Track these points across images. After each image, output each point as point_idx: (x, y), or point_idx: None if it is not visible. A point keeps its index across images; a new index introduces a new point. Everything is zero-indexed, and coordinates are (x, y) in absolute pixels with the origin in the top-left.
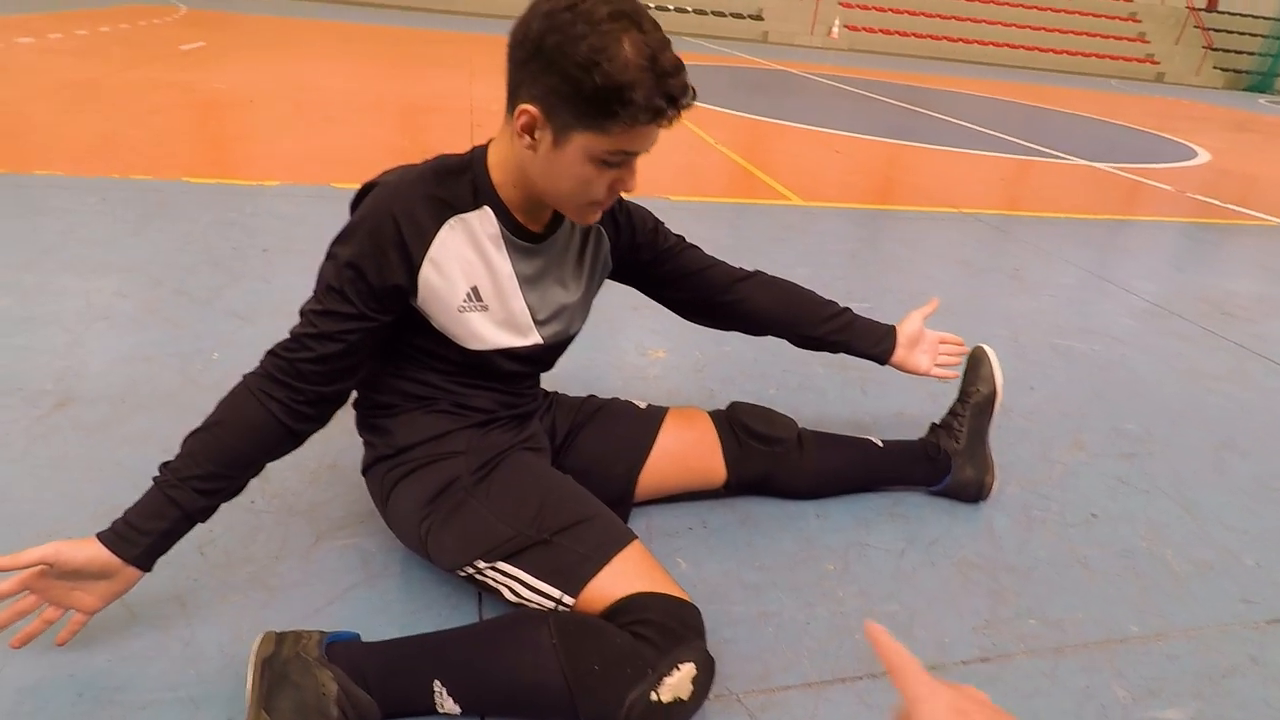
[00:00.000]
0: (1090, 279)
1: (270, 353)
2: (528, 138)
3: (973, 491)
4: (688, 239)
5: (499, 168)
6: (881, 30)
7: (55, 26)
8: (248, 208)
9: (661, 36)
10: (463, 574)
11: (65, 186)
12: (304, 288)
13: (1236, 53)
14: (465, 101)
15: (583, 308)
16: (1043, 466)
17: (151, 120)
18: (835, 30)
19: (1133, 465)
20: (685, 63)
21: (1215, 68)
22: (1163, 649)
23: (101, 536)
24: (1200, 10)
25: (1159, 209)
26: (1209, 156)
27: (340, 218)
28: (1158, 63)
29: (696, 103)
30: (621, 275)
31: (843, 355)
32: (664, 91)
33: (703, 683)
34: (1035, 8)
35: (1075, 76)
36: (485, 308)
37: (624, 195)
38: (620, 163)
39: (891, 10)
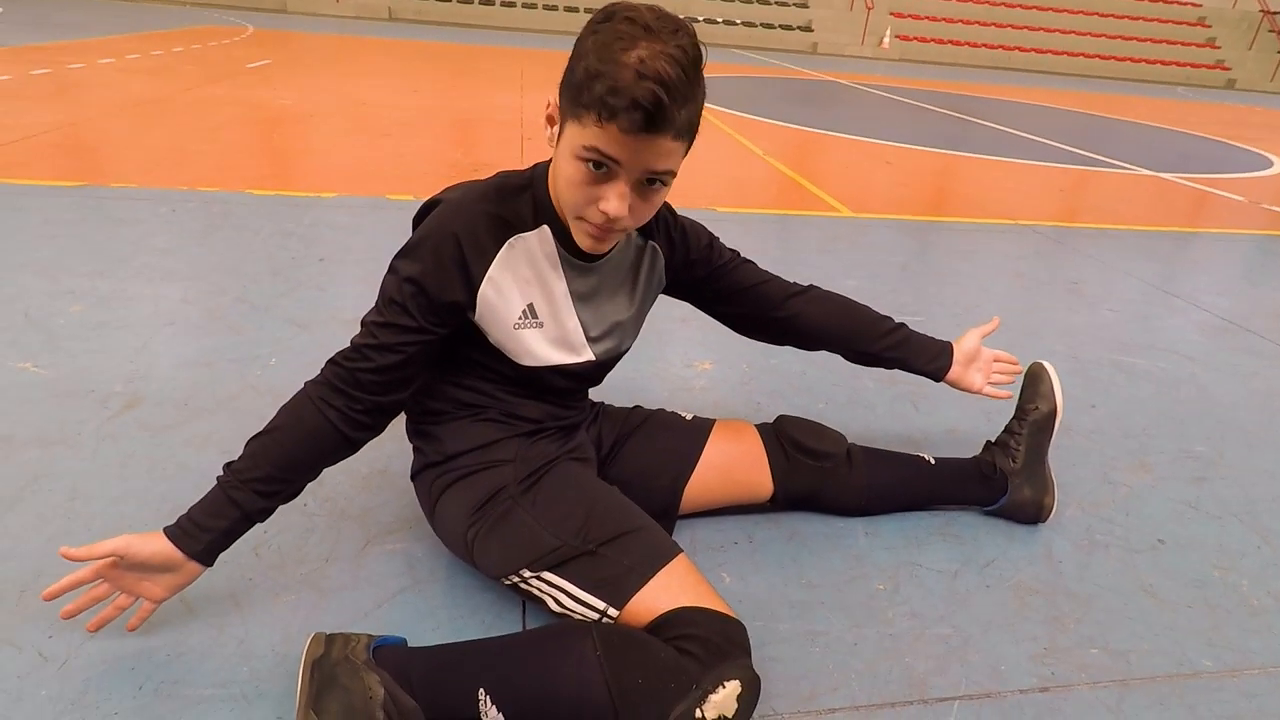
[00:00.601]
0: (1155, 293)
1: (331, 361)
2: (550, 131)
3: (1031, 513)
4: (737, 250)
5: (554, 183)
6: (934, 40)
7: (134, 48)
8: (306, 219)
9: (678, 55)
10: (508, 582)
11: (138, 198)
12: (358, 296)
13: None
14: (516, 115)
15: (635, 324)
16: (1105, 489)
17: (218, 135)
18: (886, 40)
19: (1203, 489)
20: (735, 75)
21: None
22: (1239, 686)
23: (167, 531)
24: (1275, 13)
25: (1231, 221)
26: None
27: (394, 227)
28: (1229, 69)
29: (743, 114)
30: (675, 291)
31: (894, 370)
32: (631, 92)
33: (748, 701)
34: (1096, 14)
35: (1139, 84)
36: (540, 325)
37: (670, 207)
38: (601, 167)
39: (944, 19)
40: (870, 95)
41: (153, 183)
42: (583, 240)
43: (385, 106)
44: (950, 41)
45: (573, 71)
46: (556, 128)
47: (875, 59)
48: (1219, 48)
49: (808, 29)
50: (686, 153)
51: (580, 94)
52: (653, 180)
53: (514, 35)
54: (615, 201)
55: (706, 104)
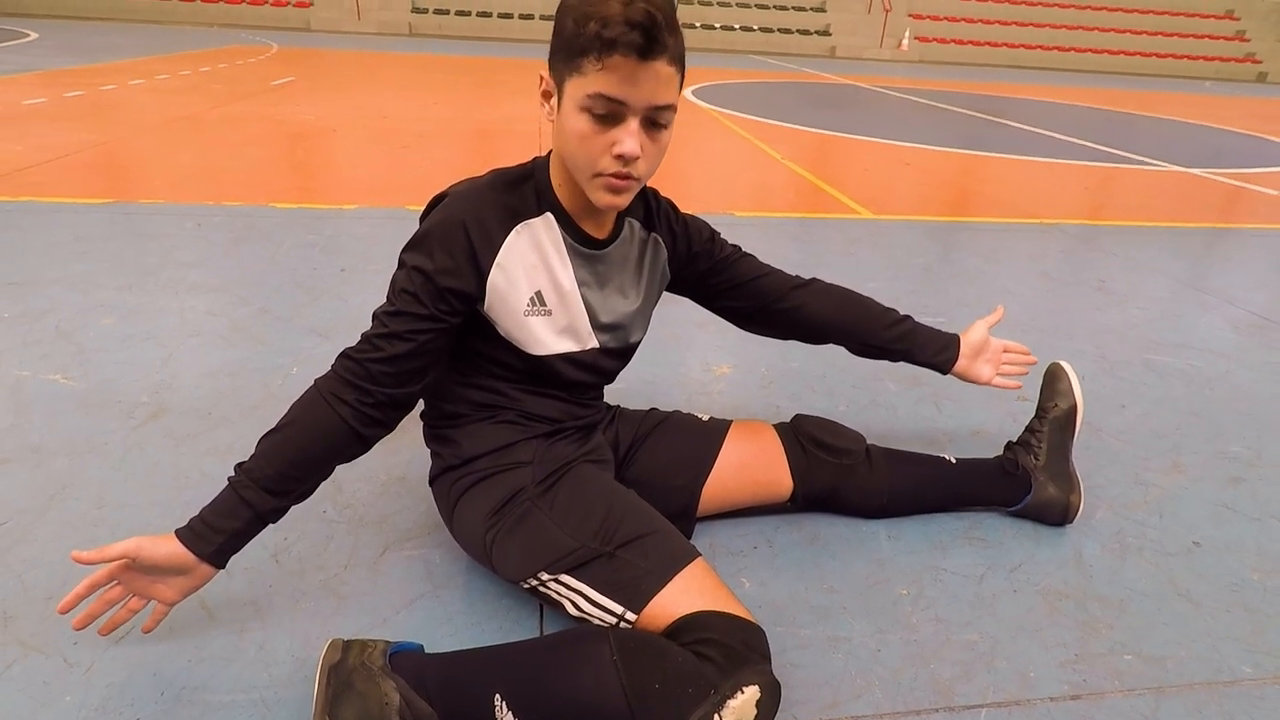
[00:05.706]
0: (1186, 291)
1: (342, 355)
2: (548, 106)
3: (1057, 512)
4: (755, 254)
5: (555, 170)
6: (954, 40)
7: (163, 69)
8: (327, 230)
9: (663, 4)
10: (526, 585)
11: (166, 213)
12: (379, 305)
13: None
14: (534, 125)
15: (643, 316)
16: (1136, 490)
17: (244, 151)
18: (905, 42)
19: (1240, 490)
20: (753, 81)
21: None
22: None
23: (179, 534)
24: None
25: (1264, 216)
26: None
27: None
28: (1259, 61)
29: (762, 119)
30: (679, 286)
31: (915, 370)
32: (624, 16)
33: (767, 707)
34: (1120, 9)
35: (1166, 80)
36: (548, 312)
37: (682, 211)
38: (607, 114)
39: (964, 20)
40: (889, 97)
41: (180, 198)
42: (601, 198)
43: (406, 120)
44: (970, 41)
45: (560, 34)
46: (554, 100)
47: (894, 61)
48: (1249, 40)
49: (825, 33)
50: (680, 91)
51: (573, 44)
52: (656, 120)
53: (532, 47)
54: (629, 140)
55: (722, 109)
